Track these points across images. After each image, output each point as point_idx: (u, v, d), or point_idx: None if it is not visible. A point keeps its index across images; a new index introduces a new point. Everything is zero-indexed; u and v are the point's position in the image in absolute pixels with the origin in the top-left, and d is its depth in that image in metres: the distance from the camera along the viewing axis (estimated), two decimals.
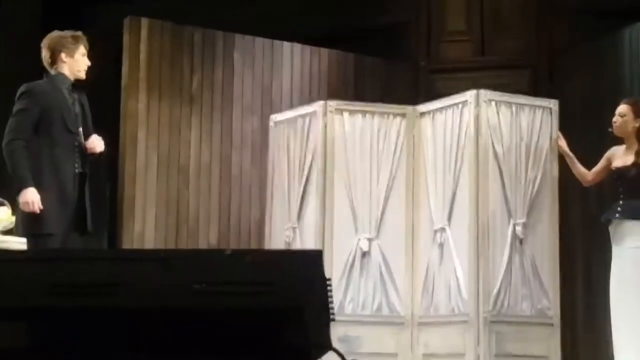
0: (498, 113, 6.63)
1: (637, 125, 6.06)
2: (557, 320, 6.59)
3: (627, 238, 5.91)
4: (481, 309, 6.38)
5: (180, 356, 3.64)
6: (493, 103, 6.63)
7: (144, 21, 7.42)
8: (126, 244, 7.07)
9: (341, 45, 8.22)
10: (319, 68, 7.98)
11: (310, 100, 7.68)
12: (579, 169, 6.39)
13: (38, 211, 5.19)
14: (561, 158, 6.62)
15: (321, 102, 7.04)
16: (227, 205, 7.59)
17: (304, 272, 3.64)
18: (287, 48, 7.91)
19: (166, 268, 3.63)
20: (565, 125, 6.82)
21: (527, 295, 6.53)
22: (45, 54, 5.49)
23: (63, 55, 5.45)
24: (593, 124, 7.17)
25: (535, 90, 7.83)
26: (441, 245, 6.67)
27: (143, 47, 7.38)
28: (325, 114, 6.91)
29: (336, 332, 6.40)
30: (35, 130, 5.30)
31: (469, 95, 6.65)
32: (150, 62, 7.39)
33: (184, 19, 7.71)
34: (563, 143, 6.55)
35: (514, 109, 6.69)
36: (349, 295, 6.80)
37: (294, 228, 7.01)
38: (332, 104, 6.97)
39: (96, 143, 5.45)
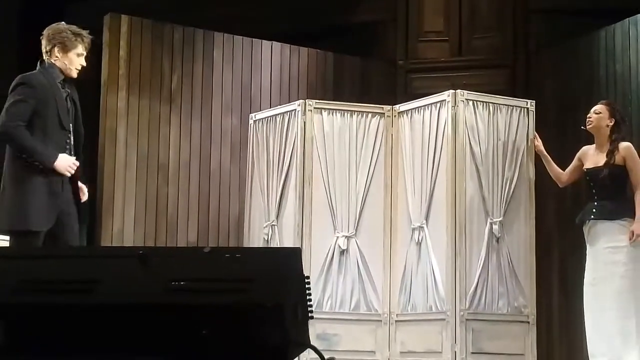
0: (475, 113, 6.68)
1: (611, 124, 6.10)
2: (533, 318, 6.64)
3: (601, 238, 5.96)
4: (458, 307, 6.43)
5: (158, 353, 3.65)
6: (470, 103, 6.68)
7: (125, 18, 7.41)
8: (105, 242, 7.07)
9: (320, 44, 8.24)
10: (298, 67, 8.00)
11: (289, 98, 7.71)
12: (554, 169, 6.44)
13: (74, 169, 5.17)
14: (538, 158, 6.67)
15: (300, 101, 7.07)
16: (206, 202, 7.60)
17: (282, 270, 3.65)
18: (266, 46, 7.93)
19: (144, 265, 3.64)
20: (542, 125, 6.87)
21: (504, 294, 6.58)
22: (43, 43, 5.41)
23: (57, 49, 5.37)
24: (569, 123, 7.23)
25: (512, 90, 7.89)
26: (419, 244, 6.71)
27: (123, 44, 7.38)
28: (304, 112, 6.94)
29: (314, 330, 6.44)
30: (29, 123, 5.20)
31: (447, 94, 6.70)
32: (130, 59, 7.38)
33: (164, 16, 7.71)
34: (539, 143, 6.59)
35: (491, 108, 6.74)
36: (327, 292, 6.82)
37: (272, 226, 7.04)
38: (311, 102, 6.99)
39: (83, 192, 5.37)
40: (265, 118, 7.28)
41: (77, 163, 5.27)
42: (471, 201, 6.57)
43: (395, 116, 7.00)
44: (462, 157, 6.58)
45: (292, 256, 3.72)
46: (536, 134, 6.61)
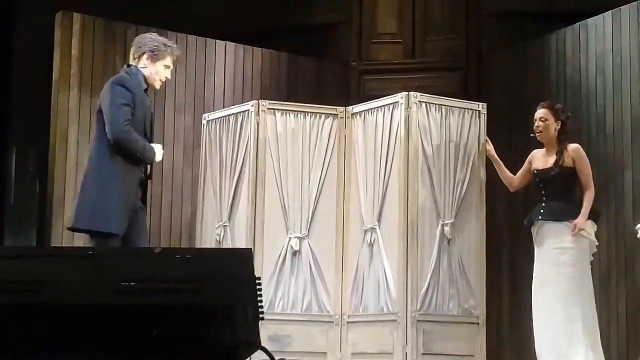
0: (428, 115, 6.72)
1: (558, 127, 6.13)
2: (483, 319, 6.69)
3: (549, 239, 6.02)
4: (409, 308, 6.46)
5: (108, 353, 3.63)
6: (423, 105, 6.71)
7: (77, 16, 7.34)
8: (55, 242, 7.00)
9: (274, 44, 8.24)
10: (252, 67, 7.99)
11: (242, 99, 7.70)
12: (505, 174, 6.46)
13: None
14: (489, 160, 6.72)
15: (254, 101, 7.06)
16: (158, 203, 7.55)
17: (234, 271, 3.65)
18: (220, 46, 7.91)
19: (94, 265, 3.62)
20: (494, 128, 6.93)
21: (455, 295, 6.63)
22: (133, 49, 5.48)
23: (146, 57, 5.42)
24: (520, 126, 7.29)
25: (464, 92, 7.95)
26: (371, 245, 6.74)
27: (75, 42, 7.31)
28: (257, 113, 6.93)
29: (266, 331, 6.43)
30: None
31: (400, 96, 6.73)
32: (82, 58, 7.32)
33: (117, 15, 7.66)
34: (490, 147, 6.62)
35: (443, 111, 6.78)
36: (279, 293, 6.82)
37: (225, 226, 7.02)
38: (265, 103, 6.99)
39: None
40: (218, 118, 7.26)
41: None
42: (423, 203, 6.60)
43: (348, 117, 7.02)
44: (415, 159, 6.62)
45: (243, 257, 3.72)
46: (487, 139, 6.63)
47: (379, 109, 6.86)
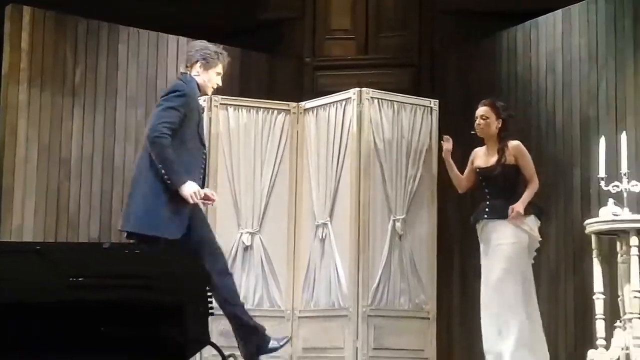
0: (380, 111, 6.75)
1: (499, 125, 6.09)
2: (433, 314, 6.74)
3: (493, 237, 6.02)
4: (360, 303, 6.49)
5: (56, 350, 3.61)
6: (375, 101, 6.74)
7: (27, 9, 7.27)
8: (4, 237, 6.92)
9: (227, 40, 8.20)
10: None
11: None
12: (456, 175, 6.31)
13: (200, 200, 5.18)
14: (441, 157, 6.74)
15: (206, 97, 7.03)
16: (109, 198, 7.51)
17: (183, 266, 3.64)
18: (172, 41, 7.87)
19: (42, 261, 3.59)
20: (445, 124, 6.97)
21: (405, 290, 6.67)
22: (183, 58, 5.54)
23: (199, 65, 5.42)
24: (471, 123, 7.33)
25: (417, 89, 7.98)
26: (323, 240, 6.75)
27: (25, 36, 7.24)
28: (209, 108, 6.91)
29: (217, 326, 6.41)
30: (173, 132, 5.17)
31: (352, 92, 6.75)
32: (32, 51, 7.25)
33: (68, 8, 7.59)
34: (448, 146, 6.30)
35: (395, 107, 6.81)
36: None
37: None
38: (217, 98, 6.96)
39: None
40: None
41: (202, 192, 5.23)
42: (374, 198, 6.63)
43: (301, 113, 7.03)
44: (367, 155, 6.64)
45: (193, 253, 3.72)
46: (449, 138, 6.40)
47: (332, 104, 6.87)
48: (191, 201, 5.16)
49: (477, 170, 6.15)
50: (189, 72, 5.44)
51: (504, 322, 5.86)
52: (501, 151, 6.01)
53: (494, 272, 5.94)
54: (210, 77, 5.47)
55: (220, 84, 5.55)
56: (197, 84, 5.41)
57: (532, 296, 5.96)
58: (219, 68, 5.50)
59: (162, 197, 5.14)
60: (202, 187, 5.31)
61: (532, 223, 5.97)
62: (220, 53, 5.52)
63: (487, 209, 6.05)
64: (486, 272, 6.04)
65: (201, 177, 5.36)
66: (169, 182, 5.12)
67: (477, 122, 6.12)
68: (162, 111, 5.19)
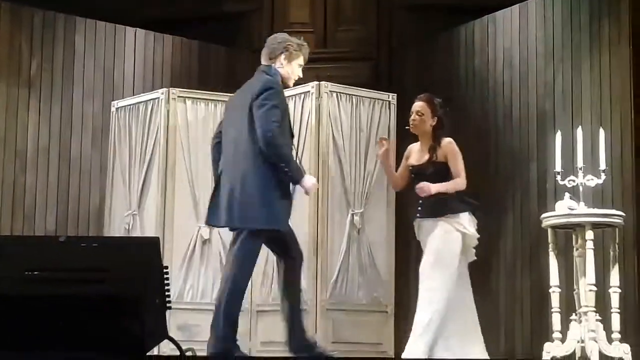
0: (339, 105, 6.76)
1: (434, 123, 5.87)
2: (391, 308, 6.77)
3: (427, 234, 5.83)
4: (319, 297, 6.50)
5: (12, 344, 3.58)
6: (334, 95, 6.75)
7: None
8: None
9: (185, 32, 8.18)
10: (163, 55, 7.92)
11: (153, 86, 7.63)
12: (391, 173, 6.12)
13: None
14: (398, 150, 6.75)
15: (164, 89, 7.01)
16: (65, 190, 7.45)
17: (140, 260, 3.63)
18: (130, 33, 7.82)
19: None
20: (403, 119, 6.98)
21: (364, 284, 6.69)
22: (267, 50, 5.54)
23: (283, 57, 5.47)
24: None
25: (375, 83, 7.99)
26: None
27: None
28: (167, 100, 6.89)
29: (175, 320, 6.40)
30: None
31: (311, 86, 6.75)
32: None
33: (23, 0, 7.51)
34: (386, 145, 6.03)
35: (354, 101, 6.83)
36: (188, 283, 6.80)
37: (134, 215, 6.96)
38: (175, 91, 6.94)
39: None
40: (128, 106, 7.19)
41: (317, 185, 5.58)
42: (333, 192, 6.64)
43: None
44: (325, 148, 6.65)
45: (151, 246, 3.70)
46: (386, 139, 6.19)
47: (290, 98, 6.84)
48: (311, 192, 5.52)
49: (410, 167, 5.97)
50: (273, 65, 5.50)
51: (421, 317, 5.66)
52: (433, 149, 5.83)
53: (425, 266, 5.79)
54: (294, 69, 5.56)
55: (301, 75, 5.64)
56: (281, 77, 5.49)
57: (465, 296, 5.77)
58: (301, 60, 5.61)
59: (278, 192, 5.29)
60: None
61: (466, 221, 5.78)
62: (302, 45, 5.62)
63: (419, 208, 5.89)
64: (426, 266, 5.82)
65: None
66: (289, 177, 5.29)
67: (412, 117, 5.91)
68: (268, 110, 5.26)
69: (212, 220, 5.49)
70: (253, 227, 5.29)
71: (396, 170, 6.08)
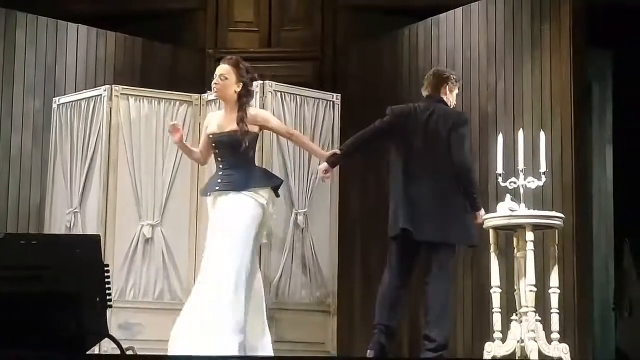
0: (283, 104, 6.75)
1: (238, 89, 5.60)
2: (334, 307, 6.78)
3: (226, 209, 5.54)
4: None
5: None
6: (278, 94, 6.74)
7: None
8: None
9: (128, 29, 8.11)
10: (105, 51, 7.84)
11: (95, 83, 7.56)
12: (193, 154, 5.85)
13: None
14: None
15: (106, 86, 6.95)
16: (5, 187, 7.36)
17: (80, 258, 3.60)
18: (72, 29, 7.73)
19: None
20: (347, 119, 7.02)
21: (307, 284, 6.69)
22: (437, 80, 6.02)
23: (448, 88, 6.03)
24: (372, 117, 7.38)
25: (320, 83, 8.02)
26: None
27: None
28: (110, 98, 6.83)
29: (117, 319, 6.36)
30: None
31: (255, 85, 6.68)
32: None
33: None
34: (178, 132, 5.71)
35: (298, 100, 6.83)
36: (130, 281, 6.75)
37: (75, 212, 6.89)
38: (118, 88, 6.89)
39: None
40: (69, 102, 7.11)
41: None
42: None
43: (203, 105, 6.99)
44: (269, 148, 6.63)
45: (91, 244, 3.68)
46: (176, 123, 5.79)
47: None
48: (483, 219, 5.93)
49: (210, 135, 5.64)
50: (446, 97, 5.94)
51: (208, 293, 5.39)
52: (241, 120, 5.51)
53: (217, 245, 5.48)
54: (454, 98, 6.02)
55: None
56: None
57: (252, 276, 5.56)
58: (456, 90, 6.05)
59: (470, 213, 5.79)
60: None
61: (268, 196, 5.58)
62: (457, 77, 6.10)
63: (219, 180, 5.57)
64: (211, 249, 5.53)
65: None
66: (476, 202, 5.79)
67: (214, 81, 5.60)
68: (465, 141, 5.80)
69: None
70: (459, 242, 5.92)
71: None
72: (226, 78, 5.59)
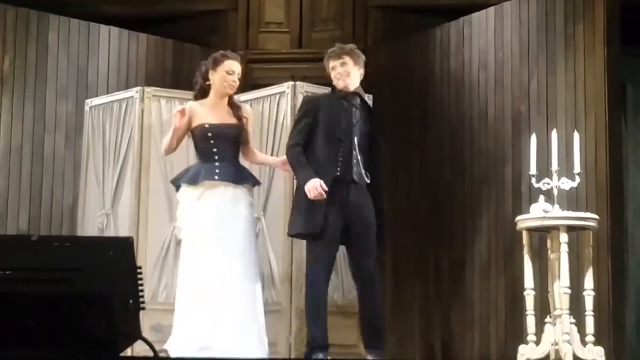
0: None
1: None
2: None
3: (229, 200, 5.71)
4: (294, 298, 6.47)
5: None
6: (309, 94, 6.72)
7: None
8: None
9: (160, 31, 8.15)
10: (137, 53, 7.88)
11: (127, 85, 7.59)
12: (174, 142, 5.90)
13: None
14: None
15: (138, 88, 6.97)
16: (38, 189, 7.41)
17: (113, 260, 3.61)
18: (104, 31, 7.77)
19: None
20: (379, 119, 6.98)
21: (339, 285, 6.66)
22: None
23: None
24: (404, 118, 7.39)
25: None
26: (256, 235, 6.71)
27: None
28: (142, 99, 6.85)
29: (149, 321, 6.36)
30: None
31: (286, 86, 6.73)
32: None
33: None
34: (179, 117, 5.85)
35: None
36: (162, 283, 6.76)
37: (107, 214, 6.91)
38: (149, 90, 6.91)
39: None
40: (101, 104, 7.14)
41: None
42: None
43: None
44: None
45: (124, 246, 3.68)
46: (181, 109, 5.84)
47: (266, 98, 6.84)
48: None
49: (207, 125, 5.76)
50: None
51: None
52: (237, 109, 5.80)
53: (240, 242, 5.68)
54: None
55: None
56: None
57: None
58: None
59: None
60: None
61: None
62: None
63: (217, 171, 5.71)
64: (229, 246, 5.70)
65: None
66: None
67: (233, 79, 5.85)
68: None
69: None
70: None
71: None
72: (239, 75, 5.84)
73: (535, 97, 6.93)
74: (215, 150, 5.74)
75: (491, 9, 7.34)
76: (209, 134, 5.73)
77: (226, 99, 5.82)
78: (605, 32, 6.61)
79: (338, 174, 5.68)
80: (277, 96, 6.77)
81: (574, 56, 6.73)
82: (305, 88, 6.73)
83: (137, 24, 8.04)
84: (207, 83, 5.85)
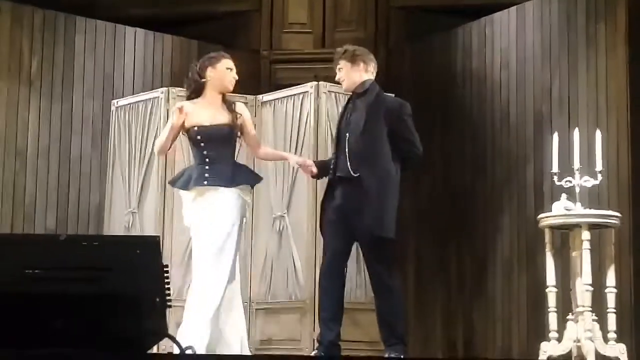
0: (337, 105, 6.76)
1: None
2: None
3: (221, 203, 5.52)
4: (317, 295, 6.50)
5: (10, 342, 3.60)
6: (333, 95, 6.77)
7: None
8: None
9: (184, 31, 8.20)
10: (162, 54, 7.95)
11: (152, 86, 7.65)
12: (169, 142, 5.68)
13: None
14: None
15: (164, 88, 7.03)
16: (65, 189, 7.48)
17: (140, 258, 3.64)
18: (129, 32, 7.85)
19: None
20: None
21: (362, 283, 6.70)
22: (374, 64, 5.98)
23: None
24: (426, 118, 7.40)
25: None
26: (280, 233, 6.77)
27: None
28: (167, 100, 6.90)
29: (175, 319, 6.41)
30: None
31: (310, 86, 6.78)
32: None
33: None
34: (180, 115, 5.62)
35: None
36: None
37: (133, 213, 6.98)
38: (175, 90, 6.95)
39: None
40: (127, 105, 7.21)
41: None
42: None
43: (258, 106, 7.04)
44: (324, 148, 6.66)
45: (151, 244, 3.71)
46: (180, 106, 5.61)
47: (289, 98, 6.89)
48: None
49: (196, 128, 5.56)
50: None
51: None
52: (231, 110, 5.62)
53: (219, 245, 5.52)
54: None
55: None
56: None
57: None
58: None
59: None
60: None
61: (250, 194, 5.73)
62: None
63: (207, 175, 5.50)
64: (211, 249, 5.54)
65: None
66: None
67: (233, 75, 5.73)
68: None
69: None
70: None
71: None
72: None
73: (557, 97, 6.94)
74: (205, 153, 5.54)
75: (513, 9, 7.35)
76: (199, 137, 5.54)
77: (221, 97, 5.70)
78: (626, 32, 6.61)
79: (331, 172, 5.73)
80: (301, 96, 6.81)
81: (596, 56, 6.74)
82: (329, 88, 6.77)
83: (162, 26, 8.10)
84: (203, 80, 5.75)
